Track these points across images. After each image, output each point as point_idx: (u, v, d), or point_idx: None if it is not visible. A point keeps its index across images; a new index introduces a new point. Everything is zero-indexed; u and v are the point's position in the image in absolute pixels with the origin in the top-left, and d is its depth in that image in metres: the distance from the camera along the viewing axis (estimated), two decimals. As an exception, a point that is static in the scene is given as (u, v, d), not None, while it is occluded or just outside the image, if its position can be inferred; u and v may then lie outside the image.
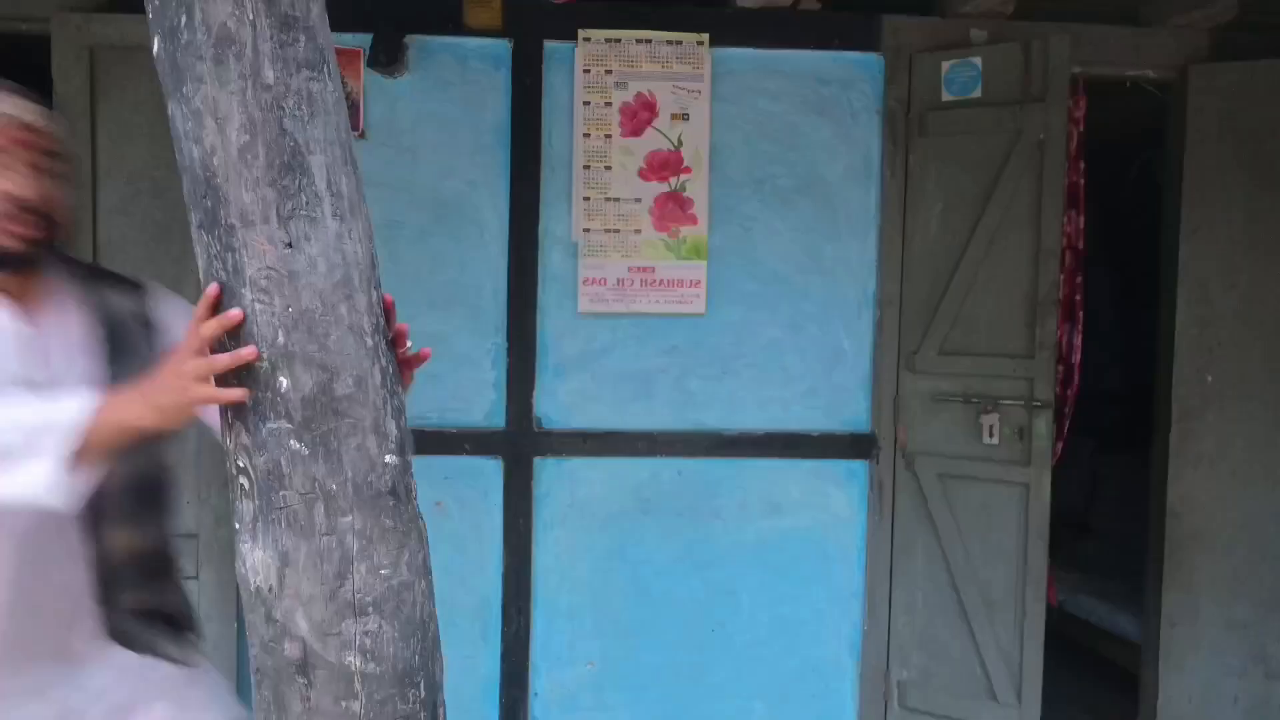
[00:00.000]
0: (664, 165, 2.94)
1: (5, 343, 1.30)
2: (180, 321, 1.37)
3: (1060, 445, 3.30)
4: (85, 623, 1.36)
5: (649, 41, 2.92)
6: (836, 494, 3.07)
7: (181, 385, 1.14)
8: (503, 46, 2.93)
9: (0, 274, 1.31)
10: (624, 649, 3.02)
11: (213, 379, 1.12)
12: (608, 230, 2.93)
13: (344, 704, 1.12)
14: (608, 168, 2.93)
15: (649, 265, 2.94)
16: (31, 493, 1.18)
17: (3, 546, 1.29)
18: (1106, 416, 4.82)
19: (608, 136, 2.92)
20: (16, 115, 1.32)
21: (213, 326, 1.09)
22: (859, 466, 3.06)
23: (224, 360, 1.09)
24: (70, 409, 1.19)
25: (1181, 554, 3.02)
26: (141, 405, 1.18)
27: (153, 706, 1.38)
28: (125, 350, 1.38)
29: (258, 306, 1.07)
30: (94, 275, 1.46)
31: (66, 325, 1.36)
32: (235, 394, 1.11)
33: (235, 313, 1.08)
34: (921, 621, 3.03)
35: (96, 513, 1.32)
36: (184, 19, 1.04)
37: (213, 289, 1.10)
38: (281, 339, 1.08)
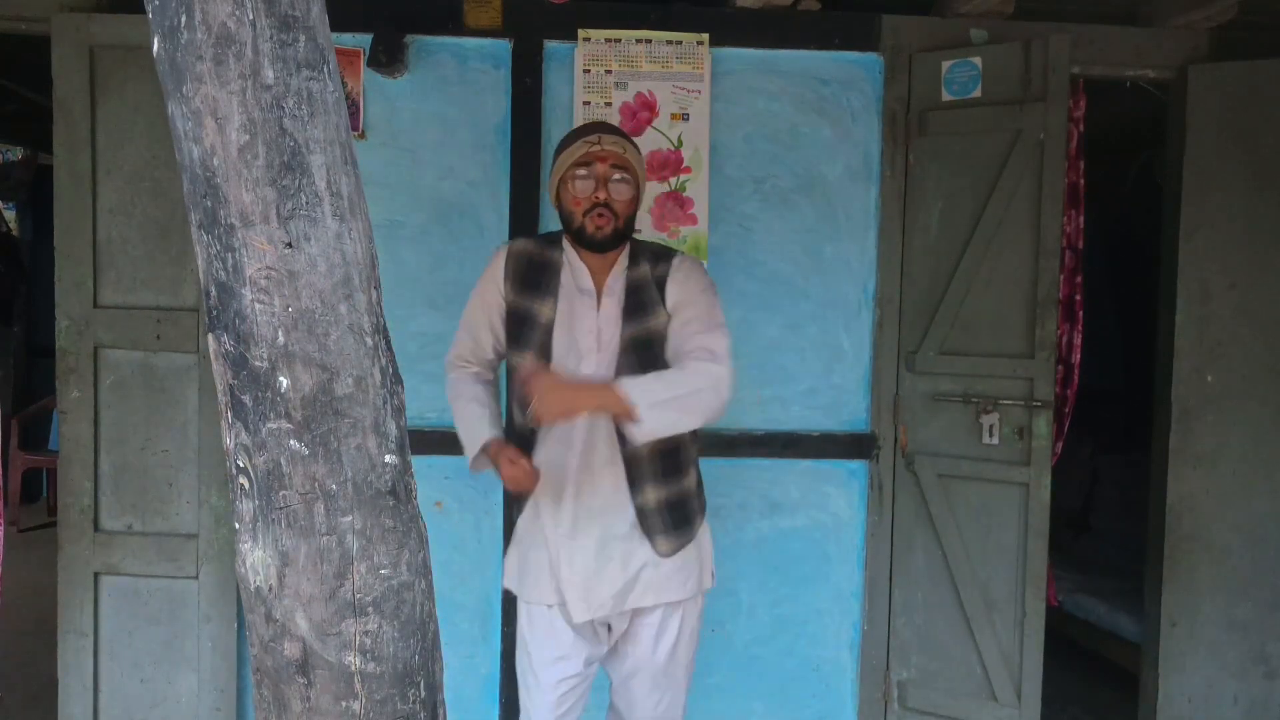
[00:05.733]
0: (664, 165, 2.94)
1: (589, 305, 2.03)
2: (677, 288, 2.03)
3: (1060, 445, 3.31)
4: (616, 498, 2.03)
5: (649, 41, 2.92)
6: (836, 494, 3.06)
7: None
8: (503, 46, 2.93)
9: (589, 253, 2.04)
10: (624, 649, 3.02)
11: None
12: (608, 230, 2.93)
13: (344, 704, 1.12)
14: (608, 168, 2.93)
15: (649, 265, 2.94)
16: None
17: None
18: (1107, 416, 4.82)
19: (608, 136, 2.92)
20: (603, 146, 1.99)
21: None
22: (859, 466, 3.06)
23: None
24: (476, 438, 2.01)
25: (1181, 554, 3.02)
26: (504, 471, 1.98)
27: (640, 620, 2.08)
28: (640, 308, 2.02)
29: (258, 306, 1.07)
30: (646, 251, 2.10)
31: (616, 286, 2.04)
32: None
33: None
34: (921, 621, 3.03)
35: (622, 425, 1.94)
36: (184, 19, 1.04)
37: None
38: (281, 339, 1.08)
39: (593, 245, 2.02)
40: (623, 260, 2.07)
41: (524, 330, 2.04)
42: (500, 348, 2.12)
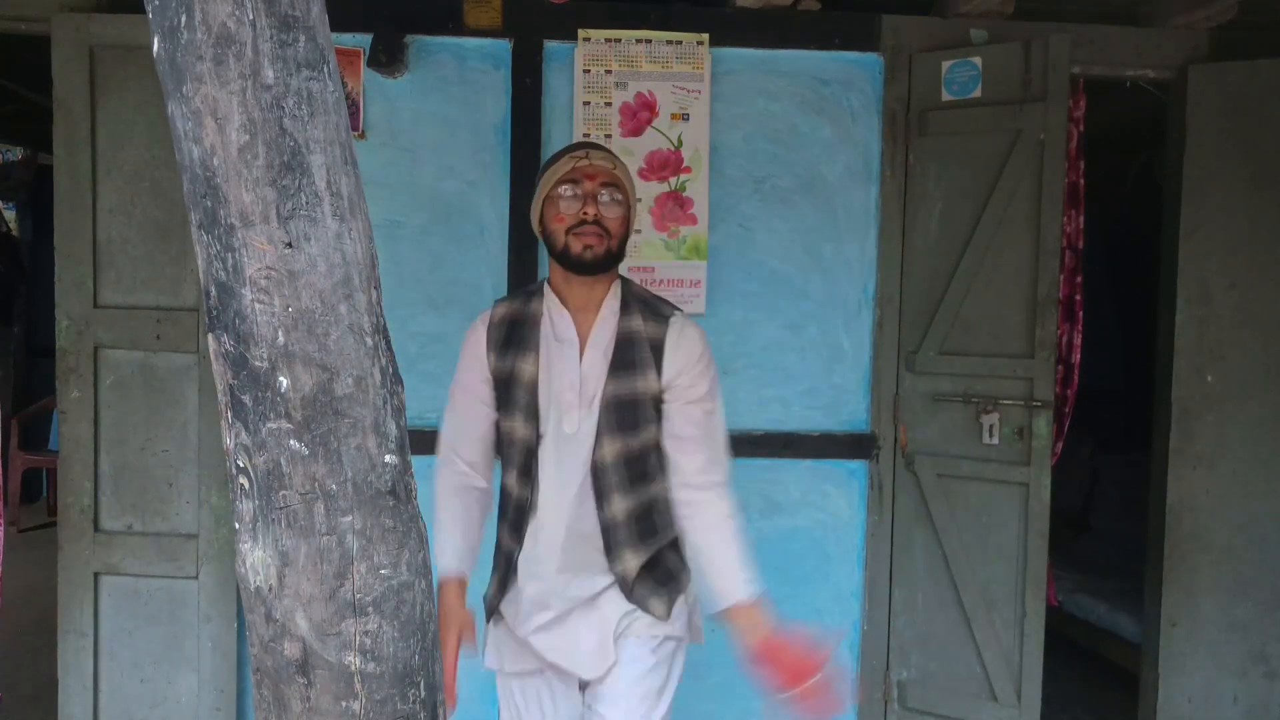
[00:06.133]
0: (664, 165, 2.94)
1: (570, 356, 1.85)
2: (678, 360, 1.86)
3: (1060, 445, 3.31)
4: (599, 565, 1.90)
5: (649, 41, 2.93)
6: (836, 494, 3.06)
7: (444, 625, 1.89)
8: (503, 46, 2.93)
9: (577, 278, 1.84)
10: (624, 649, 3.02)
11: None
12: (608, 230, 2.93)
13: (344, 704, 1.12)
14: (608, 168, 2.93)
15: (649, 265, 2.94)
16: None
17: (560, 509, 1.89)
18: (1107, 416, 4.82)
19: (608, 136, 2.92)
20: (591, 161, 1.83)
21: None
22: (859, 466, 3.06)
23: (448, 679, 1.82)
24: (441, 569, 1.90)
25: (1181, 554, 3.02)
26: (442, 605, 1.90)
27: (623, 642, 1.90)
28: (627, 364, 1.85)
29: (258, 306, 1.07)
30: (637, 299, 1.91)
31: (603, 335, 1.87)
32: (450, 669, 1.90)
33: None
34: (921, 621, 3.03)
35: (599, 487, 1.86)
36: (184, 19, 1.04)
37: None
38: (281, 339, 1.08)
39: (581, 268, 1.82)
40: (611, 303, 1.89)
41: (510, 392, 1.88)
42: (494, 427, 1.96)
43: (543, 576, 1.90)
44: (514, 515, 1.94)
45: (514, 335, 1.90)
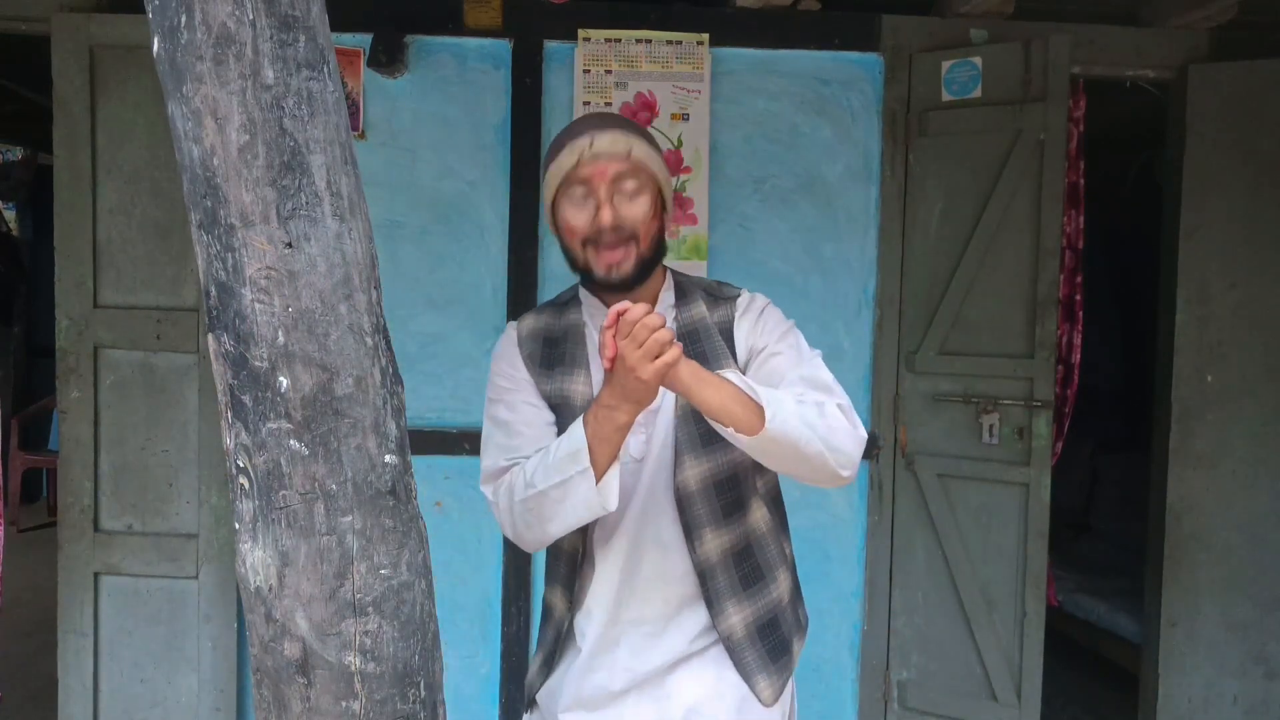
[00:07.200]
0: (664, 165, 2.94)
1: None
2: (746, 326, 1.57)
3: (1060, 445, 3.31)
4: (682, 628, 1.56)
5: (649, 41, 2.92)
6: (836, 493, 3.06)
7: (635, 372, 1.29)
8: (503, 46, 2.93)
9: (609, 294, 1.53)
10: (624, 649, 3.02)
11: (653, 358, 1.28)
12: (608, 230, 2.93)
13: (344, 704, 1.12)
14: (608, 168, 2.93)
15: (649, 265, 2.94)
16: (587, 510, 1.42)
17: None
18: (1107, 416, 4.82)
19: (608, 136, 2.92)
20: (596, 150, 1.46)
21: (656, 319, 1.28)
22: (859, 466, 3.05)
23: (664, 335, 1.27)
24: (575, 433, 1.40)
25: (1181, 554, 3.02)
26: (617, 402, 1.35)
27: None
28: (698, 360, 1.47)
29: (258, 306, 1.07)
30: (694, 287, 1.62)
31: None
32: (675, 352, 1.29)
33: (655, 318, 1.28)
34: (921, 621, 3.03)
35: (686, 520, 1.54)
36: (184, 19, 1.04)
37: (633, 311, 1.28)
38: (281, 339, 1.08)
39: (609, 287, 1.51)
40: (666, 297, 1.58)
41: (561, 420, 1.56)
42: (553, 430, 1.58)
43: (601, 643, 1.57)
44: (566, 570, 1.62)
45: (554, 353, 1.59)
